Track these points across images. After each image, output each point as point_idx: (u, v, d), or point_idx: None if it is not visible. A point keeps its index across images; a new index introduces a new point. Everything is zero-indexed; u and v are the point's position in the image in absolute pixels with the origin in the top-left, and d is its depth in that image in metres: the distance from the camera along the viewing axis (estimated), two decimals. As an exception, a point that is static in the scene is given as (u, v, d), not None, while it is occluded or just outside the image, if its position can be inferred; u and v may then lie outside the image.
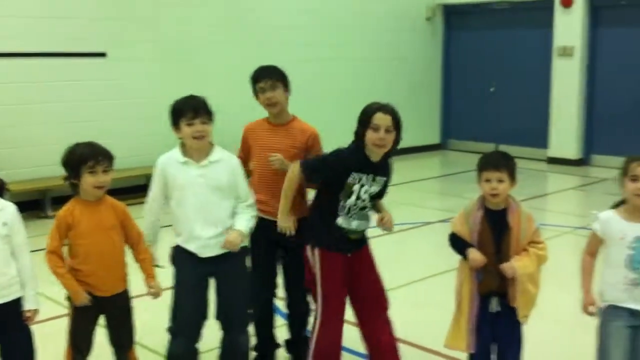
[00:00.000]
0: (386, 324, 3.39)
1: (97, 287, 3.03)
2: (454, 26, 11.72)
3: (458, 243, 3.10)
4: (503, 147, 10.53)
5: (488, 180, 3.00)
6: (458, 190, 8.55)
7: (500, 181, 2.99)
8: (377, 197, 3.33)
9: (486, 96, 11.34)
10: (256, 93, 3.57)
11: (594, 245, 3.01)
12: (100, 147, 3.06)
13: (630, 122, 9.74)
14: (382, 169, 3.28)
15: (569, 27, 10.04)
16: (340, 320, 3.36)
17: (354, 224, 3.27)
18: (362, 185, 3.23)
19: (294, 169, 3.28)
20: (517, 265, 2.97)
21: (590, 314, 2.98)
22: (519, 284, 2.97)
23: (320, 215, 3.31)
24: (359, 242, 3.34)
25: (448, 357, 3.72)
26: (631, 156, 2.92)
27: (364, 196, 3.25)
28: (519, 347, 3.12)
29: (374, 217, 3.32)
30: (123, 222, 3.12)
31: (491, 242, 3.02)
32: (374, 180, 3.25)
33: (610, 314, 2.92)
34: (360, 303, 3.38)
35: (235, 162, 3.28)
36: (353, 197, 3.23)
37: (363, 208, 3.28)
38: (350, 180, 3.21)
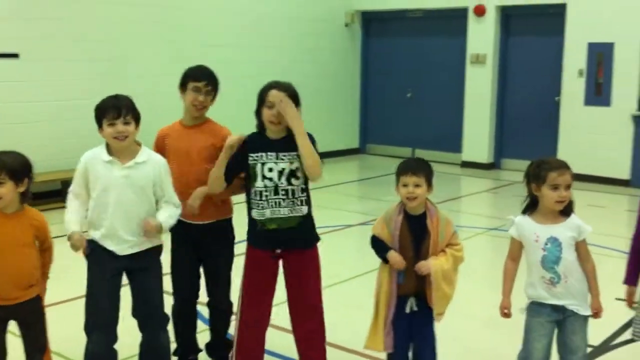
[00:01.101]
0: (315, 332, 3.39)
1: None
2: (372, 33, 11.95)
3: (378, 246, 3.17)
4: (419, 152, 10.85)
5: (405, 185, 3.09)
6: (377, 193, 8.74)
7: (417, 186, 3.08)
8: (294, 176, 3.23)
9: (403, 102, 11.62)
10: (185, 89, 3.53)
11: (515, 250, 3.13)
12: None
13: (537, 127, 10.18)
14: (287, 145, 3.22)
15: (482, 36, 10.42)
16: (261, 321, 3.38)
17: (268, 212, 3.23)
18: (263, 164, 3.21)
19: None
20: (432, 263, 3.07)
21: (505, 316, 3.11)
22: (434, 281, 3.07)
23: (248, 212, 3.32)
24: (289, 239, 3.27)
25: (371, 357, 3.82)
26: (546, 162, 3.01)
27: (271, 175, 3.21)
28: (434, 344, 3.23)
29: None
30: (40, 238, 3.07)
31: (410, 246, 3.11)
32: (278, 157, 3.22)
33: (533, 310, 3.07)
34: (292, 307, 3.40)
35: (162, 163, 3.24)
36: (259, 179, 3.21)
37: (277, 191, 3.21)
38: (250, 161, 3.22)
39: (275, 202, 3.22)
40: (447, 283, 3.11)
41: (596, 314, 3.03)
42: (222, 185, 3.31)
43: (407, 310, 3.17)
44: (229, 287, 3.70)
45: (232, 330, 3.60)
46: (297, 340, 3.43)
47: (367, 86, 12.08)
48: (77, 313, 3.20)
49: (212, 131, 3.57)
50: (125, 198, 3.11)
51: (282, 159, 3.22)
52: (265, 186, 3.22)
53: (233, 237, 3.68)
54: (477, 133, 10.63)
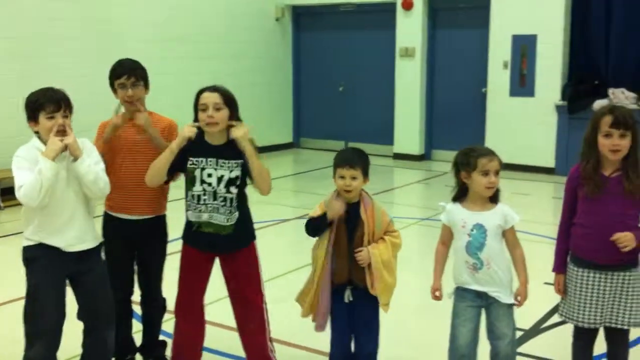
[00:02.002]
0: (257, 329, 3.40)
1: None
2: (303, 27, 11.98)
3: (314, 222, 3.18)
4: (352, 145, 10.92)
5: (342, 177, 3.13)
6: (311, 187, 8.79)
7: (354, 178, 3.13)
8: (233, 184, 3.22)
9: (335, 96, 11.70)
10: (114, 89, 3.49)
11: (445, 235, 3.23)
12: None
13: (466, 118, 10.42)
14: (228, 152, 3.21)
15: (410, 29, 10.58)
16: (195, 320, 3.39)
17: (205, 216, 3.23)
18: (203, 169, 3.20)
19: None
20: (372, 251, 3.12)
21: (436, 298, 3.21)
22: (375, 271, 3.12)
23: (185, 211, 3.31)
24: (225, 243, 3.27)
25: (307, 348, 3.85)
26: (474, 150, 3.12)
27: (210, 180, 3.20)
28: (377, 334, 3.29)
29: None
30: None
31: (345, 235, 3.16)
32: (217, 164, 3.21)
33: (459, 294, 3.17)
34: (234, 306, 3.41)
35: (88, 144, 3.16)
36: (197, 184, 3.21)
37: (215, 197, 3.20)
38: (189, 165, 3.21)
39: (214, 208, 3.22)
40: (389, 272, 3.17)
41: (519, 301, 3.13)
42: (163, 178, 3.27)
43: (346, 300, 3.21)
44: (161, 283, 3.69)
45: (168, 329, 3.58)
46: (242, 337, 3.45)
47: (300, 80, 12.11)
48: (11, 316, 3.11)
49: (156, 122, 3.54)
50: (67, 193, 3.05)
51: (222, 166, 3.21)
52: (204, 190, 3.21)
53: (167, 234, 3.66)
54: (408, 125, 10.81)
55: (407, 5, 10.50)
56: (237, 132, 3.18)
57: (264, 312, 3.41)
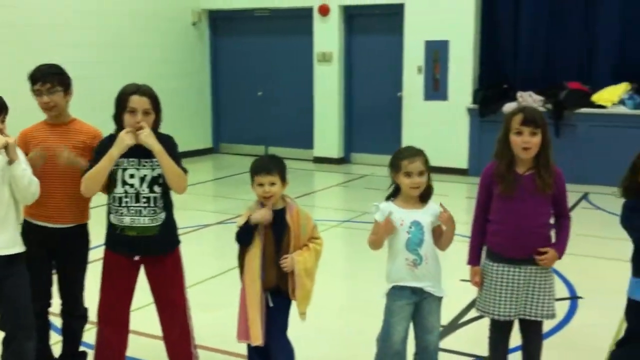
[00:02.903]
0: (182, 340, 3.38)
1: None
2: (220, 32, 11.92)
3: (242, 232, 3.18)
4: (272, 149, 10.97)
5: (261, 185, 3.15)
6: (232, 192, 8.75)
7: (272, 184, 3.15)
8: (156, 183, 3.20)
9: (255, 100, 11.70)
10: (34, 94, 3.40)
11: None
12: None
13: (383, 122, 10.64)
14: (149, 152, 3.16)
15: (327, 34, 10.70)
16: (119, 329, 3.33)
17: (127, 220, 3.19)
18: (124, 170, 3.16)
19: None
20: (297, 259, 3.15)
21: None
22: (297, 278, 3.15)
23: (107, 215, 3.25)
24: (148, 246, 3.23)
25: (233, 354, 3.85)
26: (400, 151, 3.24)
27: (132, 181, 3.16)
28: (286, 334, 3.30)
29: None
30: None
31: (272, 241, 3.17)
32: (140, 163, 3.17)
33: (394, 294, 3.23)
34: (159, 312, 3.38)
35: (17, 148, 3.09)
36: (119, 185, 3.17)
37: (138, 199, 3.16)
38: (111, 167, 3.16)
39: (136, 210, 3.18)
40: (310, 279, 3.21)
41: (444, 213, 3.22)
42: (100, 186, 3.19)
43: (271, 304, 3.23)
44: (83, 292, 3.62)
45: (88, 339, 3.50)
46: (166, 344, 3.41)
47: (218, 85, 12.03)
48: None
49: (77, 130, 3.47)
50: (4, 193, 3.00)
51: (144, 165, 3.17)
52: (126, 192, 3.16)
53: (89, 242, 3.59)
54: (327, 129, 10.92)
55: (324, 11, 10.62)
56: (142, 137, 3.11)
57: (188, 318, 3.39)
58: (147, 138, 3.12)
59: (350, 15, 10.76)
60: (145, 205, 3.19)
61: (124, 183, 3.16)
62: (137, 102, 3.13)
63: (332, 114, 10.86)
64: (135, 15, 10.27)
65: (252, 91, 11.69)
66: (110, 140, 3.19)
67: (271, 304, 3.21)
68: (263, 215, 3.13)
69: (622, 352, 3.26)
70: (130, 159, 3.17)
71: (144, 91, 3.18)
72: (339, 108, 10.85)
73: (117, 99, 3.19)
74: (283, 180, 3.20)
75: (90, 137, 3.46)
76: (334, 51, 10.68)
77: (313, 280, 3.24)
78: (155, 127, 3.21)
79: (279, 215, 3.19)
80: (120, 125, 3.19)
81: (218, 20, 11.87)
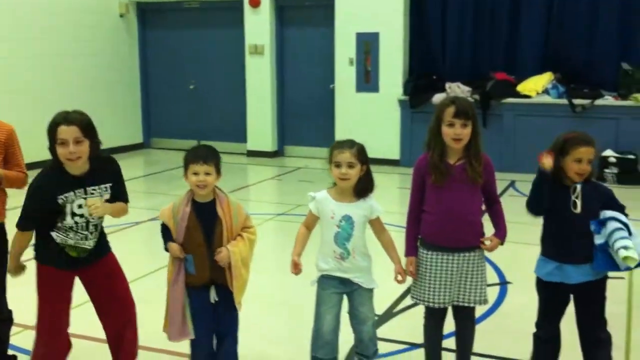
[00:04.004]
0: (130, 334, 3.36)
1: None
2: (149, 24, 11.68)
3: (164, 235, 3.19)
4: (205, 143, 10.83)
5: (196, 174, 3.11)
6: (164, 188, 8.62)
7: (208, 174, 3.11)
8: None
9: (186, 94, 11.53)
10: None
11: (310, 221, 3.32)
12: None
13: (316, 115, 10.67)
14: (94, 178, 3.15)
15: (258, 27, 10.63)
16: (55, 336, 3.26)
17: (71, 242, 3.14)
18: (72, 202, 3.10)
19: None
20: (232, 250, 3.13)
21: (296, 266, 3.25)
22: (234, 269, 3.12)
23: (38, 229, 3.17)
24: (86, 260, 3.22)
25: (164, 351, 3.80)
26: (336, 142, 3.26)
27: (82, 211, 3.11)
28: (237, 331, 3.30)
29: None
30: None
31: (201, 234, 3.13)
32: (87, 192, 3.13)
33: (323, 282, 3.26)
34: (107, 315, 3.34)
35: None
36: (68, 217, 3.10)
37: (87, 227, 3.15)
38: (60, 202, 3.08)
39: (83, 236, 3.15)
40: (246, 269, 3.20)
41: (399, 275, 3.30)
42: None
43: (212, 300, 3.20)
44: (5, 294, 3.52)
45: (18, 343, 3.39)
46: (113, 345, 3.37)
47: (148, 79, 11.80)
48: None
49: None
50: None
51: (92, 193, 3.13)
52: (76, 222, 3.11)
53: (6, 242, 3.48)
54: (261, 122, 10.87)
55: (254, 3, 10.55)
56: (96, 215, 3.14)
57: (136, 318, 3.38)
58: (99, 211, 3.12)
59: (281, 7, 10.72)
60: (93, 231, 3.19)
61: (74, 214, 3.11)
62: (66, 132, 3.01)
63: (265, 107, 10.81)
64: (60, 8, 9.95)
65: (184, 84, 11.52)
66: (48, 178, 3.10)
67: (216, 298, 3.19)
68: (173, 251, 3.14)
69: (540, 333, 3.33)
70: (77, 190, 3.10)
71: (72, 120, 3.04)
72: (271, 101, 10.81)
73: (47, 131, 3.08)
74: (218, 172, 3.17)
75: (4, 134, 3.37)
76: (266, 43, 10.63)
77: (249, 270, 3.23)
78: (93, 151, 3.12)
79: (209, 208, 3.15)
80: (55, 157, 3.08)
81: (147, 12, 11.62)
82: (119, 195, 3.27)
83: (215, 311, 3.23)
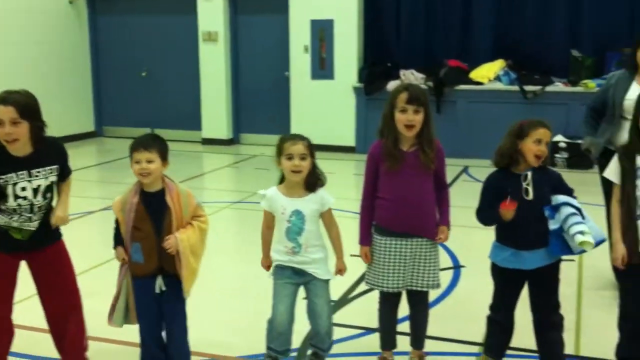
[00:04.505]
0: (73, 326, 3.31)
1: None
2: (100, 10, 11.43)
3: (115, 235, 3.17)
4: (159, 131, 10.59)
5: (138, 162, 3.07)
6: (117, 177, 8.50)
7: (150, 162, 3.06)
8: (49, 190, 3.14)
9: (139, 81, 11.35)
10: None
11: (268, 220, 3.30)
12: None
13: (271, 102, 10.63)
14: (39, 160, 3.09)
15: (212, 14, 10.51)
16: (2, 325, 3.20)
17: (15, 223, 3.08)
18: (15, 184, 3.03)
19: None
20: (180, 237, 3.09)
21: (268, 268, 3.31)
22: (182, 256, 3.09)
23: None
24: (31, 244, 3.15)
25: (119, 342, 3.76)
26: (284, 135, 3.25)
27: (25, 194, 3.04)
28: (184, 321, 3.27)
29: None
30: None
31: (150, 224, 3.09)
32: (31, 175, 3.06)
33: (277, 272, 3.27)
34: (50, 307, 3.28)
35: None
36: (11, 200, 3.03)
37: (32, 209, 3.08)
38: (0, 183, 3.01)
39: (27, 218, 3.08)
40: (195, 258, 3.16)
41: (340, 272, 3.35)
42: None
43: (157, 290, 3.16)
44: None
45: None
46: (57, 337, 3.32)
47: (99, 66, 11.58)
48: None
49: None
50: None
51: (37, 176, 3.06)
52: (19, 205, 3.04)
53: None
54: (215, 110, 10.78)
55: (208, -11, 10.43)
56: (59, 224, 3.17)
57: (81, 307, 3.32)
58: (60, 220, 3.16)
59: (234, -7, 10.63)
60: (38, 211, 3.12)
61: (17, 197, 3.04)
62: (2, 113, 2.92)
63: (219, 95, 10.72)
64: (5, -7, 9.69)
65: (136, 72, 11.33)
66: None
67: (164, 288, 3.15)
68: (119, 254, 3.15)
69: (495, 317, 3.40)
70: (20, 172, 3.03)
71: (10, 100, 2.94)
72: (226, 88, 10.73)
73: None
74: (163, 159, 3.11)
75: None
76: (220, 30, 10.52)
77: (199, 259, 3.20)
78: (35, 133, 3.04)
79: (157, 197, 3.11)
80: None
81: (97, -1, 11.40)
82: (66, 174, 3.25)
83: (161, 301, 3.18)
